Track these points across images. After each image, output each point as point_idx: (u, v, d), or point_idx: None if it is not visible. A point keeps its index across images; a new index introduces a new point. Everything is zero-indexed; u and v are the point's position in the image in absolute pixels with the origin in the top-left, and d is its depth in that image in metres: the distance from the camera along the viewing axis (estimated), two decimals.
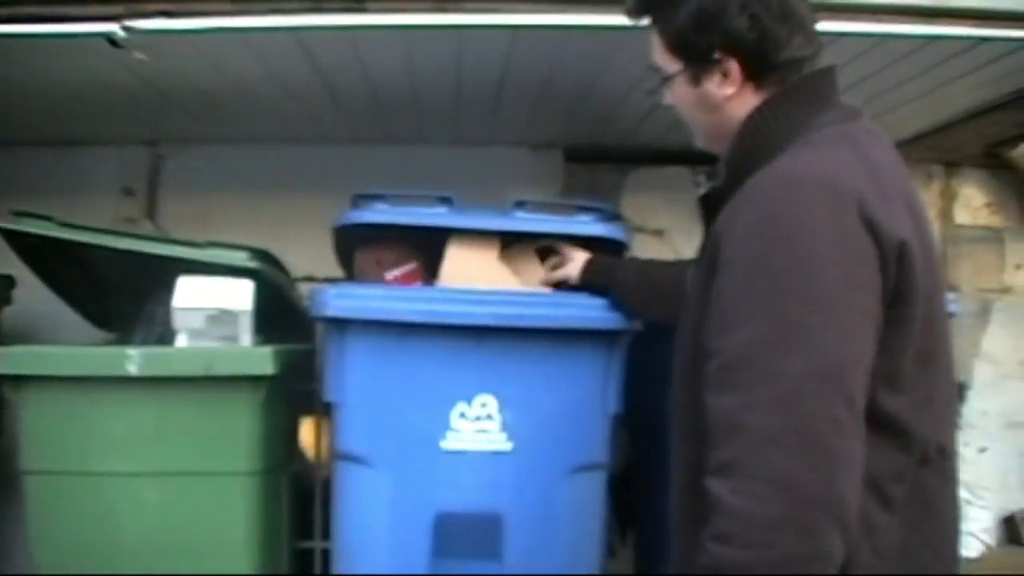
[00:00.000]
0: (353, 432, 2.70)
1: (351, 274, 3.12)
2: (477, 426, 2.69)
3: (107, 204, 4.34)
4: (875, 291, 1.54)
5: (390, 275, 2.93)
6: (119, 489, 2.76)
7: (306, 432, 3.40)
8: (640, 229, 4.47)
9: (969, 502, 4.15)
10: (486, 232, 2.87)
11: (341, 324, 2.66)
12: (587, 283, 2.73)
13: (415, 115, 3.93)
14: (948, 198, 4.66)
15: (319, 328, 2.88)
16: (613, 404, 2.77)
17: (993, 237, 4.66)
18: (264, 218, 4.31)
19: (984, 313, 4.58)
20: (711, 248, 1.68)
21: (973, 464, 4.39)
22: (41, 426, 2.76)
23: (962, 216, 4.65)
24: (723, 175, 1.80)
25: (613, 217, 2.92)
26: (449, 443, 2.68)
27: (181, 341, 2.88)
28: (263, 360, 2.73)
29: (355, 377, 2.68)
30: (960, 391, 4.29)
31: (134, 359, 2.71)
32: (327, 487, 2.94)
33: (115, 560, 2.76)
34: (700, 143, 1.97)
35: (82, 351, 2.86)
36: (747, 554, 1.45)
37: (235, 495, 2.80)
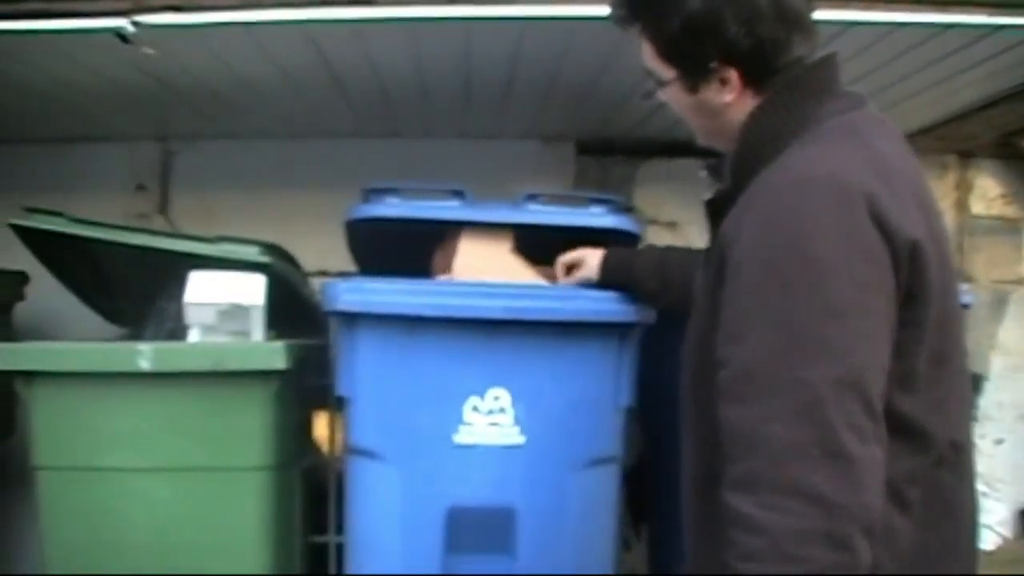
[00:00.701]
0: (365, 427, 2.69)
1: (363, 268, 3.11)
2: (490, 420, 2.68)
3: (118, 200, 4.35)
4: (888, 293, 1.51)
5: None
6: (130, 485, 2.76)
7: (319, 427, 3.39)
8: (653, 221, 4.47)
9: (985, 494, 4.13)
10: (498, 226, 2.86)
11: (352, 318, 2.65)
12: (607, 280, 2.71)
13: (424, 109, 3.92)
14: (964, 189, 4.64)
15: (331, 323, 2.87)
16: (626, 397, 2.76)
17: (1009, 228, 4.63)
18: (275, 213, 4.31)
19: (1000, 304, 4.56)
20: (718, 251, 1.65)
21: (989, 456, 4.38)
22: (52, 422, 2.76)
23: (978, 207, 4.62)
24: (728, 177, 1.76)
25: (626, 208, 2.90)
26: (462, 437, 2.67)
27: (193, 336, 2.88)
28: (275, 355, 2.73)
29: (366, 371, 2.67)
30: (976, 383, 4.27)
31: (145, 355, 2.71)
32: (341, 482, 2.94)
33: (126, 556, 2.76)
34: (701, 141, 1.92)
35: (93, 347, 2.85)
36: (778, 570, 1.42)
37: (247, 491, 2.79)
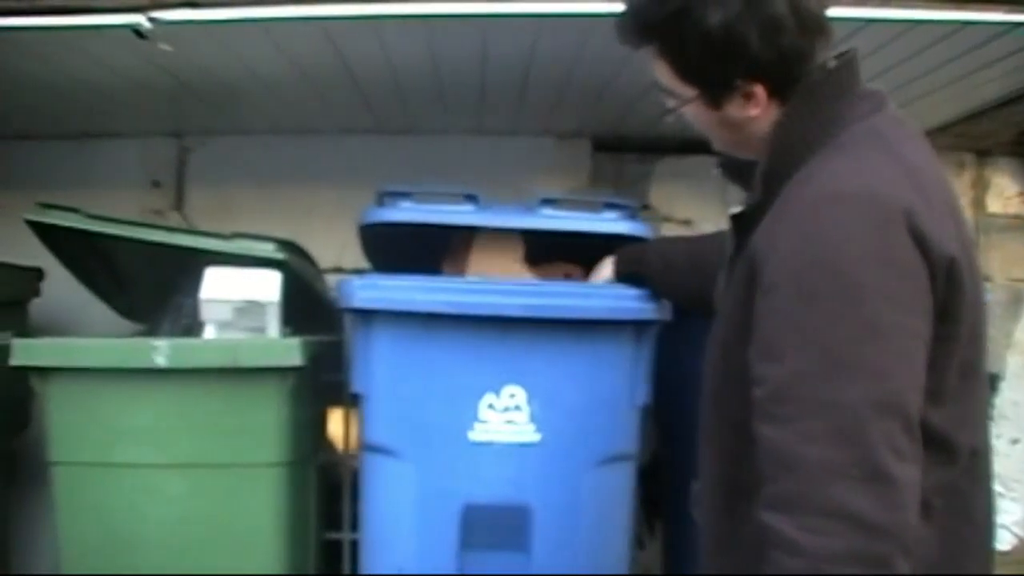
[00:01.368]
0: (380, 423, 2.69)
1: (377, 270, 3.11)
2: (505, 417, 2.67)
3: (134, 196, 4.35)
4: (925, 311, 1.50)
5: None
6: (146, 481, 2.76)
7: (334, 424, 3.40)
8: (668, 219, 4.46)
9: (1001, 494, 4.11)
10: (510, 234, 2.87)
11: (367, 315, 2.65)
12: (622, 276, 2.69)
13: (440, 105, 3.92)
14: (980, 187, 4.62)
15: (346, 319, 2.87)
16: (642, 395, 2.75)
17: None
18: (291, 209, 4.32)
19: (1016, 303, 4.54)
20: (747, 262, 1.63)
21: (1005, 456, 4.36)
22: (68, 418, 2.76)
23: (994, 205, 4.60)
24: (759, 188, 1.72)
25: (641, 208, 2.89)
26: (477, 434, 2.67)
27: (208, 333, 2.89)
28: (290, 351, 2.73)
29: (382, 368, 2.67)
30: (992, 382, 4.25)
31: (161, 351, 2.72)
32: (356, 479, 2.94)
33: (141, 552, 2.77)
34: (719, 148, 1.89)
35: (109, 343, 2.86)
36: None
37: (262, 487, 2.80)
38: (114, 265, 3.42)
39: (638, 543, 3.34)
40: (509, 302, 2.63)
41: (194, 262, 2.92)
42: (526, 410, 2.67)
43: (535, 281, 2.77)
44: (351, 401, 2.91)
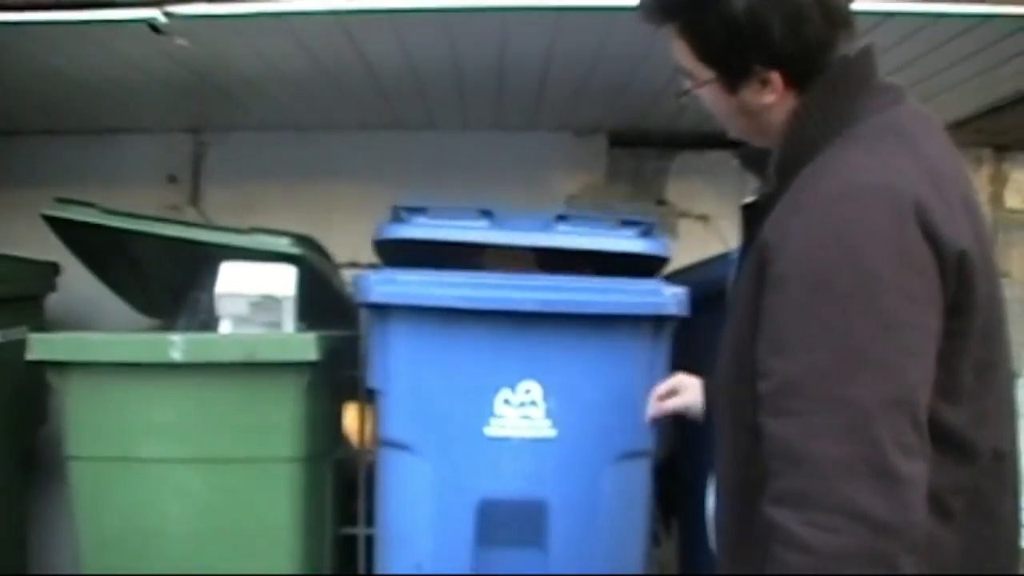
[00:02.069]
0: (396, 419, 2.69)
1: None
2: (521, 412, 2.67)
3: (151, 191, 4.36)
4: (937, 306, 1.47)
5: None
6: (163, 475, 2.77)
7: (350, 419, 3.40)
8: (685, 215, 4.45)
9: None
10: (522, 251, 2.87)
11: (384, 310, 2.65)
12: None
13: (458, 100, 3.91)
14: (999, 183, 4.59)
15: (362, 314, 2.87)
16: None
17: None
18: (307, 204, 4.32)
19: None
20: (757, 254, 1.60)
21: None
22: (85, 412, 2.77)
23: (1013, 200, 4.56)
24: (773, 179, 1.69)
25: (655, 229, 2.85)
26: (493, 430, 2.66)
27: (224, 327, 2.89)
28: (306, 346, 2.73)
29: (398, 363, 2.67)
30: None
31: (177, 345, 2.72)
32: (371, 474, 2.93)
33: (158, 545, 2.77)
34: (733, 135, 1.88)
35: (126, 338, 2.86)
36: None
37: (278, 482, 2.80)
38: (131, 260, 3.42)
39: (654, 540, 3.33)
40: (526, 297, 2.63)
41: (210, 257, 2.92)
42: (542, 406, 2.67)
43: (551, 276, 2.76)
44: (367, 396, 2.90)
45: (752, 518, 1.54)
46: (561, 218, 2.80)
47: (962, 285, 1.49)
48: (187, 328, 3.08)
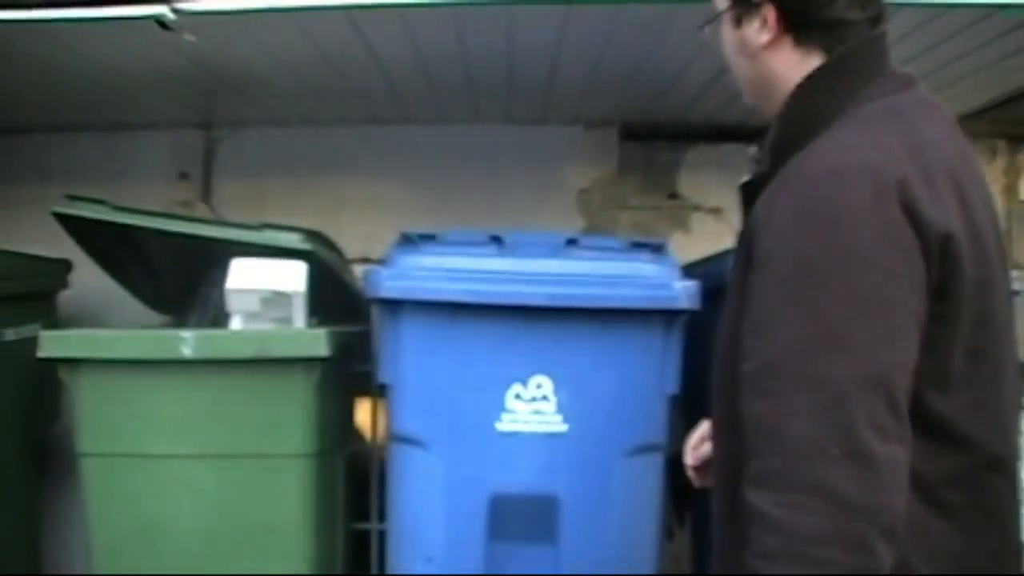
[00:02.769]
0: (408, 414, 2.69)
1: None
2: (533, 407, 2.67)
3: (161, 187, 4.37)
4: (919, 287, 1.45)
5: None
6: (174, 471, 2.77)
7: (361, 414, 3.39)
8: (697, 208, 4.44)
9: None
10: None
11: (395, 305, 2.65)
12: None
13: (468, 94, 3.91)
14: (1013, 174, 4.56)
15: (373, 309, 2.87)
16: (671, 385, 2.73)
17: None
18: (317, 199, 4.32)
19: None
20: (747, 236, 1.60)
21: None
22: (96, 409, 2.77)
23: None
24: (766, 158, 1.71)
25: (665, 248, 2.82)
26: (504, 425, 2.66)
27: (235, 323, 2.89)
28: (317, 342, 2.73)
29: (409, 358, 2.66)
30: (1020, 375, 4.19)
31: (188, 342, 2.72)
32: (383, 469, 2.93)
33: (170, 541, 2.77)
34: (746, 98, 1.86)
35: (137, 334, 2.87)
36: (795, 570, 1.38)
37: (290, 477, 2.80)
38: (142, 256, 3.42)
39: (667, 534, 3.32)
40: (536, 291, 2.62)
41: (221, 253, 2.92)
42: (553, 400, 2.66)
43: (562, 271, 2.75)
44: (378, 392, 2.90)
45: (737, 502, 1.54)
46: (571, 242, 2.78)
47: (947, 268, 1.47)
48: (198, 324, 3.08)
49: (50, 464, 3.76)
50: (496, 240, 2.74)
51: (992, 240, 1.61)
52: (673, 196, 4.46)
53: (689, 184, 4.46)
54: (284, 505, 2.80)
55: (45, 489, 3.82)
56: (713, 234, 4.22)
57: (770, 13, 1.69)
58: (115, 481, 2.78)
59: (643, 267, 2.76)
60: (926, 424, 1.47)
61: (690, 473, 2.15)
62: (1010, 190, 4.55)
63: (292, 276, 2.87)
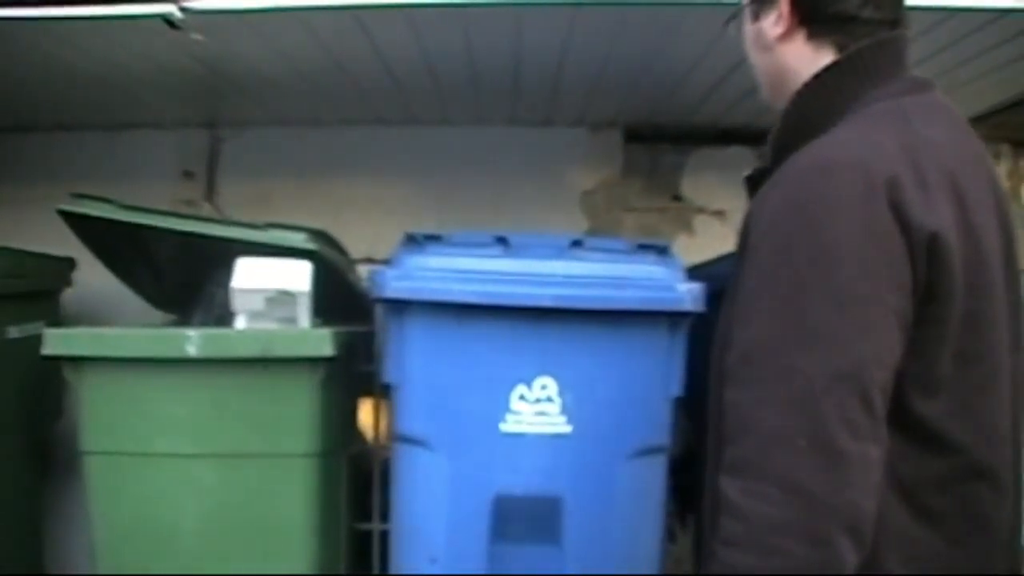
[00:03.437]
0: (412, 414, 2.68)
1: None
2: (537, 408, 2.66)
3: (166, 186, 4.37)
4: (903, 286, 1.46)
5: None
6: (178, 470, 2.77)
7: (365, 414, 3.39)
8: (702, 210, 4.44)
9: None
10: None
11: (400, 305, 2.64)
12: None
13: (473, 95, 3.90)
14: (1016, 179, 4.56)
15: (378, 309, 2.86)
16: (675, 387, 2.73)
17: None
18: (323, 199, 4.32)
19: None
20: (744, 231, 1.63)
21: None
22: (100, 407, 2.77)
23: None
24: (768, 153, 1.74)
25: (670, 250, 2.82)
26: (509, 426, 2.66)
27: (240, 323, 2.88)
28: (322, 342, 2.73)
29: (414, 359, 2.66)
30: None
31: (193, 341, 2.72)
32: (386, 469, 2.93)
33: (174, 541, 2.77)
34: (763, 94, 1.89)
35: (141, 333, 2.86)
36: (754, 559, 1.39)
37: (293, 477, 2.79)
38: (146, 255, 3.42)
39: (670, 536, 3.32)
40: (542, 292, 2.62)
41: (226, 252, 2.92)
42: (558, 401, 2.66)
43: (568, 272, 2.75)
44: (382, 392, 2.90)
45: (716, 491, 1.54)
46: (576, 244, 2.78)
47: (935, 269, 1.48)
48: (202, 323, 3.08)
49: (53, 462, 3.77)
50: (502, 241, 2.74)
51: (996, 244, 1.61)
52: (677, 198, 4.46)
53: (693, 186, 4.46)
54: (288, 505, 2.79)
55: (48, 487, 3.82)
56: (717, 236, 4.22)
57: (785, 5, 1.72)
58: (118, 480, 2.78)
59: (648, 269, 2.75)
60: (907, 426, 1.48)
61: None
62: (1014, 194, 4.55)
63: (297, 276, 2.87)
